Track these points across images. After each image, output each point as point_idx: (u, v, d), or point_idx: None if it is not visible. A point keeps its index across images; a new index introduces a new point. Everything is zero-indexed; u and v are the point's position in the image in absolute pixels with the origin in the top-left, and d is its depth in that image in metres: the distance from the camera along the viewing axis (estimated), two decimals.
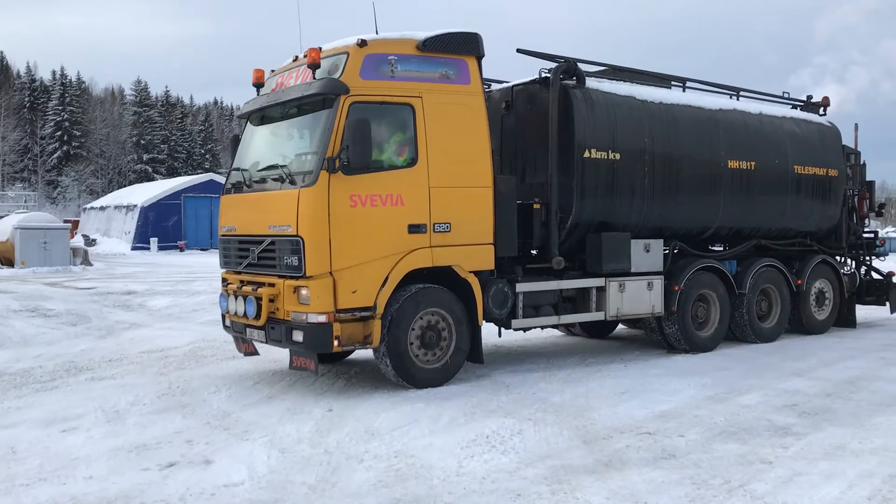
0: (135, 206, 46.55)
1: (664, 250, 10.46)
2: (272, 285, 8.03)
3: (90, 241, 42.62)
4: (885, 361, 10.07)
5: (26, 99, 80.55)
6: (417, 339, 8.19)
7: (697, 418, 7.11)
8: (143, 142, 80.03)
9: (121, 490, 5.42)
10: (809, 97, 13.17)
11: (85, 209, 55.99)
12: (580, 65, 9.70)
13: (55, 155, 76.53)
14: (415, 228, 8.12)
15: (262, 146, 9.01)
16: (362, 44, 7.98)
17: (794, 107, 12.89)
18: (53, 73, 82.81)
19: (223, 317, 9.04)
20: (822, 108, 13.07)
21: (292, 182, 7.91)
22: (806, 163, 11.89)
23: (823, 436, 6.58)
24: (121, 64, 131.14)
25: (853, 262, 13.42)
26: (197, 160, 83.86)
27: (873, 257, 13.68)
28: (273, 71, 9.16)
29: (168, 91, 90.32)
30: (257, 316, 8.06)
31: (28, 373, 9.52)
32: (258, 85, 9.13)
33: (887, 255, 14.75)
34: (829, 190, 12.32)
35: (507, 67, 10.39)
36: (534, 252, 9.65)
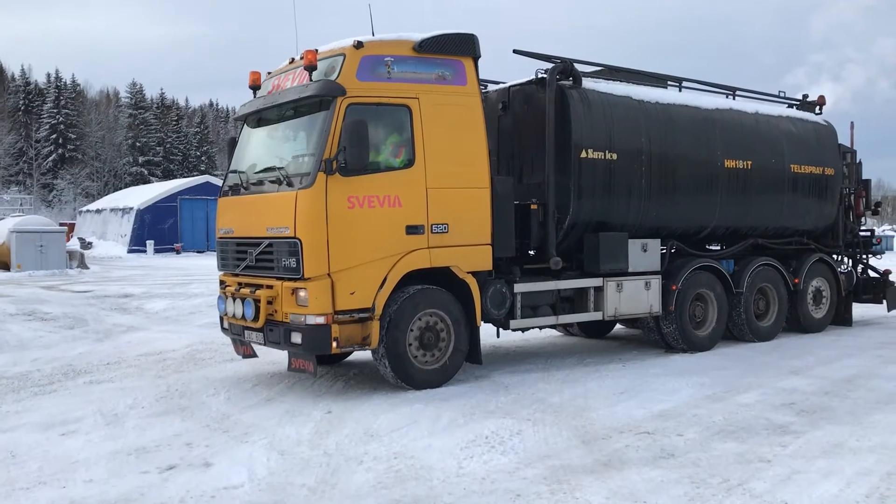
0: (131, 208, 46.46)
1: (661, 250, 10.49)
2: (270, 287, 8.03)
3: (86, 245, 42.53)
4: (883, 359, 10.10)
5: (21, 102, 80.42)
6: (416, 340, 8.20)
7: (696, 417, 7.13)
8: (138, 144, 79.93)
9: (120, 493, 5.41)
10: (805, 96, 13.21)
11: (81, 212, 55.88)
12: (577, 65, 9.71)
13: (50, 158, 76.40)
14: (412, 229, 8.12)
15: (259, 148, 9.01)
16: (359, 45, 7.99)
17: (791, 106, 12.93)
18: (48, 75, 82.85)
19: (221, 319, 9.04)
20: (818, 107, 13.11)
21: (290, 184, 7.91)
22: (802, 162, 11.92)
23: (821, 434, 6.60)
24: (116, 66, 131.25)
25: (850, 261, 13.45)
26: (193, 162, 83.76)
27: (870, 255, 13.72)
28: (270, 73, 9.16)
29: (163, 93, 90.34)
30: (256, 318, 8.06)
31: (26, 376, 9.50)
32: (255, 87, 9.14)
33: (884, 253, 14.79)
34: (826, 188, 12.35)
35: (504, 68, 10.42)
36: (531, 252, 9.66)
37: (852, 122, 13.95)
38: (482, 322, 8.71)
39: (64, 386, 8.95)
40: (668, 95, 10.87)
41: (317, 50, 8.12)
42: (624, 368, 9.52)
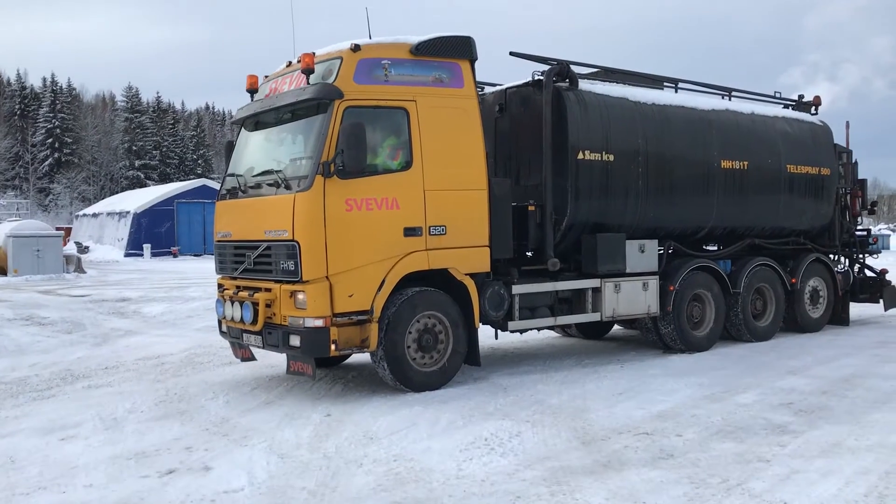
0: (127, 212, 46.43)
1: (659, 251, 10.51)
2: (268, 290, 8.03)
3: (83, 249, 42.53)
4: (880, 358, 10.12)
5: (17, 106, 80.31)
6: (414, 342, 8.21)
7: (695, 418, 7.14)
8: (134, 148, 79.84)
9: (120, 498, 5.41)
10: (801, 96, 13.24)
11: (77, 216, 55.82)
12: (573, 67, 9.73)
13: (46, 162, 76.32)
14: (410, 231, 8.13)
15: (256, 152, 9.01)
16: (356, 48, 8.00)
17: (786, 106, 12.96)
18: (44, 80, 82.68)
19: (220, 322, 9.04)
20: (813, 108, 13.14)
21: (287, 187, 7.92)
22: (798, 162, 11.95)
23: (820, 433, 6.61)
24: (111, 70, 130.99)
25: (846, 260, 13.49)
26: (189, 166, 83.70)
27: (866, 255, 13.75)
28: (267, 77, 9.16)
29: (159, 97, 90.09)
30: (254, 321, 8.07)
31: (24, 381, 9.49)
32: (252, 91, 9.15)
33: (880, 252, 14.83)
34: (822, 188, 12.38)
35: (501, 70, 10.44)
36: (529, 254, 9.67)
37: (847, 122, 14.01)
38: (480, 324, 8.72)
39: (62, 391, 8.94)
40: (665, 96, 10.89)
41: (314, 53, 8.12)
42: (622, 369, 9.53)
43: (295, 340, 7.76)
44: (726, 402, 7.76)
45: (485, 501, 5.22)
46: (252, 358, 9.04)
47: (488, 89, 10.40)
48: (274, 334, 7.96)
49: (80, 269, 30.24)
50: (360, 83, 7.95)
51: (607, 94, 10.06)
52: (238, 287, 8.53)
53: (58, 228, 38.16)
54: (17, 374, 9.95)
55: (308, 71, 7.96)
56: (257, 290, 8.17)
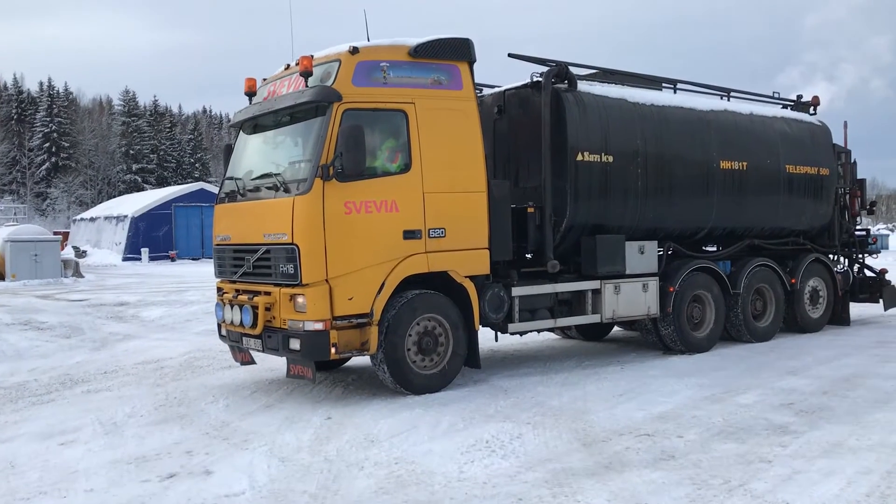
0: (125, 216, 46.38)
1: (658, 252, 10.50)
2: (268, 294, 8.02)
3: (81, 253, 42.41)
4: (880, 358, 10.12)
5: (13, 111, 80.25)
6: (414, 344, 8.19)
7: (696, 419, 7.14)
8: (132, 152, 79.81)
9: (121, 502, 5.40)
10: (799, 97, 13.25)
11: (75, 220, 55.76)
12: (571, 68, 9.73)
13: (44, 167, 76.26)
14: (410, 234, 8.13)
15: (255, 155, 9.00)
16: (354, 51, 8.00)
17: (785, 106, 12.96)
18: (41, 84, 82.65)
19: (219, 326, 9.03)
20: (811, 108, 13.15)
21: (286, 190, 7.91)
22: (797, 162, 11.96)
23: (821, 434, 6.61)
24: (108, 74, 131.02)
25: (846, 260, 13.50)
26: (187, 169, 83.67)
27: (866, 255, 13.76)
28: (265, 79, 9.16)
29: (156, 100, 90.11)
30: (254, 325, 8.05)
31: (23, 386, 9.47)
32: (250, 94, 9.13)
33: (879, 252, 14.84)
34: (821, 188, 12.38)
35: (499, 72, 10.44)
36: (529, 256, 9.67)
37: (845, 122, 14.04)
38: (480, 326, 8.71)
39: (62, 395, 8.92)
40: (663, 97, 10.89)
41: (312, 56, 8.12)
42: (622, 371, 9.52)
43: (295, 344, 7.74)
44: (727, 402, 7.75)
45: None
46: (252, 361, 9.03)
47: (487, 91, 10.39)
48: (274, 338, 7.95)
49: (77, 273, 30.20)
50: (358, 86, 7.94)
51: (606, 95, 10.06)
52: (237, 290, 8.52)
53: (55, 233, 38.15)
54: (16, 379, 9.93)
55: (306, 74, 7.95)
56: (257, 293, 8.16)
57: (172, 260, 44.77)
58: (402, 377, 8.12)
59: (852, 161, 13.66)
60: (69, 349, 12.37)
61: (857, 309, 13.80)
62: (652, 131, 10.27)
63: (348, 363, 9.92)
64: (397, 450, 6.37)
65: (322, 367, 9.20)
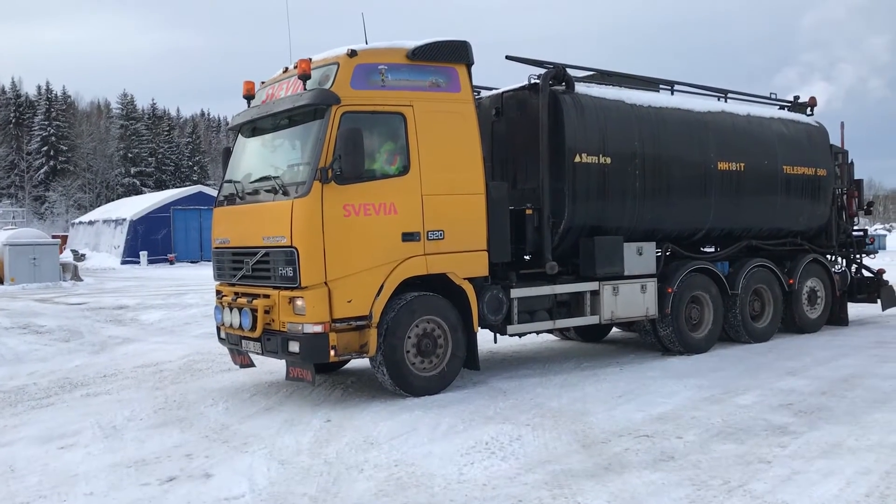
0: (124, 219, 46.37)
1: (657, 253, 10.51)
2: (267, 297, 8.03)
3: (79, 256, 42.40)
4: (879, 358, 10.13)
5: (11, 114, 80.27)
6: (414, 346, 8.20)
7: (695, 419, 7.15)
8: (130, 155, 79.82)
9: None
10: (796, 97, 13.27)
11: (73, 224, 55.76)
12: (569, 70, 9.74)
13: (42, 170, 76.26)
14: (408, 236, 8.13)
15: (253, 158, 9.01)
16: (352, 54, 8.01)
17: (782, 107, 12.98)
18: (38, 87, 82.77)
19: (218, 329, 9.03)
20: (809, 108, 13.18)
21: (285, 193, 7.92)
22: (795, 163, 11.98)
23: (820, 434, 6.62)
24: (106, 77, 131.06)
25: (844, 261, 13.51)
26: (185, 172, 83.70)
27: (863, 255, 13.77)
28: (263, 82, 9.17)
29: (154, 103, 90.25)
30: (253, 327, 8.06)
31: (23, 390, 9.47)
32: (248, 97, 9.14)
33: (877, 252, 14.87)
34: (819, 189, 12.41)
35: (497, 74, 10.46)
36: (527, 257, 9.68)
37: (842, 123, 14.05)
38: (479, 328, 8.72)
39: (61, 399, 8.92)
40: (661, 99, 10.91)
41: (310, 59, 8.13)
42: (621, 372, 9.53)
43: (294, 346, 7.75)
44: (726, 403, 7.76)
45: None
46: (251, 364, 9.03)
47: (485, 93, 10.41)
48: (273, 340, 7.95)
49: (76, 276, 30.19)
50: (356, 88, 7.95)
51: (603, 96, 10.08)
52: (236, 293, 8.53)
53: (54, 236, 38.10)
54: (15, 383, 9.93)
55: (305, 77, 7.96)
56: (256, 296, 8.17)
57: (171, 263, 44.76)
58: (401, 379, 8.12)
59: (849, 161, 13.68)
60: (68, 353, 12.37)
61: (854, 309, 13.81)
62: (649, 133, 10.29)
63: (347, 365, 9.93)
64: (397, 452, 6.38)
65: (321, 369, 9.19)
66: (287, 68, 8.70)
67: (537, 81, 9.52)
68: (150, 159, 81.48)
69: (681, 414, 7.36)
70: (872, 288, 13.49)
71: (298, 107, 8.06)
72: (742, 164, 11.24)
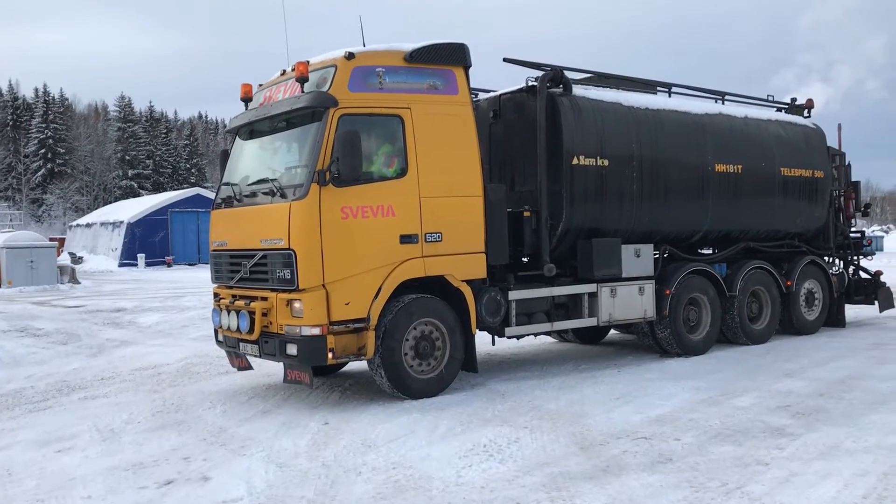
0: (121, 222, 46.36)
1: (654, 255, 10.52)
2: (265, 299, 8.02)
3: (77, 259, 42.38)
4: (876, 360, 10.14)
5: (9, 117, 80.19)
6: (412, 349, 8.20)
7: (692, 421, 7.15)
8: (127, 157, 79.77)
9: None
10: (794, 99, 13.29)
11: (71, 226, 55.71)
12: (566, 72, 9.76)
13: (39, 173, 76.18)
14: (406, 239, 8.13)
15: (251, 160, 9.01)
16: (350, 56, 8.01)
17: (779, 109, 13.00)
18: (36, 90, 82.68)
19: (216, 332, 9.02)
20: (806, 111, 13.20)
21: (283, 195, 7.92)
22: (792, 165, 11.99)
23: (818, 436, 6.62)
24: (104, 80, 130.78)
25: (841, 262, 13.53)
26: (183, 175, 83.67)
27: (861, 257, 13.79)
28: (261, 85, 9.17)
29: (152, 106, 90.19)
30: (250, 330, 8.05)
31: (20, 393, 9.45)
32: (246, 99, 9.14)
33: (874, 254, 14.88)
34: (816, 191, 12.42)
35: (494, 77, 10.46)
36: (525, 259, 9.68)
37: (839, 124, 14.08)
38: (477, 330, 8.72)
39: (59, 402, 8.91)
40: (658, 101, 10.92)
41: (308, 61, 8.13)
42: (619, 374, 9.54)
43: (292, 349, 7.75)
44: (724, 405, 7.76)
45: None
46: (249, 367, 9.02)
47: (482, 96, 10.41)
48: (271, 343, 7.95)
49: (74, 279, 30.16)
50: (354, 91, 7.96)
51: (601, 99, 10.09)
52: (234, 296, 8.52)
53: (51, 239, 38.10)
54: (12, 386, 9.91)
55: (302, 79, 7.96)
56: (254, 298, 8.16)
57: (169, 265, 44.75)
58: (399, 382, 8.12)
59: (846, 163, 13.70)
60: (66, 356, 12.35)
61: (852, 311, 13.83)
62: (647, 135, 10.30)
63: (345, 368, 9.92)
64: (395, 455, 6.37)
65: (319, 372, 9.20)
66: (285, 71, 8.70)
67: (535, 84, 9.53)
68: (147, 162, 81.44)
69: (679, 416, 7.37)
70: (870, 289, 13.50)
71: (296, 109, 8.06)
72: (739, 167, 11.26)
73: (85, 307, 20.33)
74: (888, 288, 13.55)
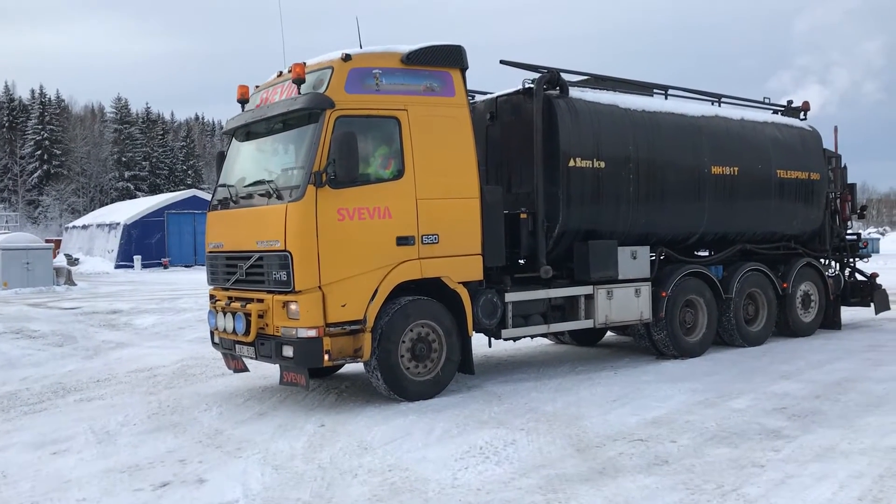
0: (117, 223, 46.29)
1: (651, 257, 10.53)
2: (261, 301, 8.01)
3: (73, 261, 42.34)
4: (872, 362, 10.16)
5: (5, 118, 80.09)
6: (408, 351, 8.19)
7: (689, 424, 7.15)
8: (124, 159, 79.72)
9: None
10: (790, 102, 13.32)
11: (67, 228, 55.64)
12: (563, 74, 9.76)
13: (35, 174, 76.10)
14: (403, 240, 8.13)
15: (248, 162, 9.00)
16: (347, 58, 8.01)
17: (776, 112, 13.02)
18: (32, 91, 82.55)
19: (212, 334, 9.01)
20: (802, 113, 13.22)
21: (279, 197, 7.91)
22: (788, 167, 12.01)
23: (813, 438, 6.63)
24: (100, 81, 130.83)
25: (837, 265, 13.55)
26: (179, 176, 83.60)
27: (857, 259, 13.82)
28: (258, 87, 9.16)
29: (149, 107, 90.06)
30: (246, 332, 8.04)
31: (15, 395, 9.43)
32: (243, 101, 9.14)
33: (870, 256, 14.92)
34: (812, 193, 12.44)
35: (491, 79, 10.47)
36: (522, 261, 9.68)
37: (836, 127, 14.12)
38: (474, 332, 8.71)
39: (54, 404, 8.88)
40: (655, 103, 10.94)
41: (305, 63, 8.13)
42: (616, 376, 9.54)
43: (288, 351, 7.74)
44: (720, 407, 7.77)
45: None
46: (245, 369, 9.01)
47: (479, 98, 10.42)
48: (267, 345, 7.94)
49: (70, 281, 30.09)
50: (351, 93, 7.95)
51: (597, 101, 10.10)
52: (230, 298, 8.51)
53: (47, 241, 38.02)
54: (7, 389, 9.88)
55: (299, 81, 7.96)
56: (250, 300, 8.15)
57: (165, 267, 44.70)
58: (395, 384, 8.11)
59: (843, 166, 13.74)
60: (61, 357, 12.32)
61: (848, 313, 13.86)
62: (643, 137, 10.31)
63: (342, 370, 9.91)
64: (391, 457, 6.36)
65: (315, 374, 9.19)
66: (281, 72, 8.69)
67: (531, 86, 9.54)
68: (144, 163, 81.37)
69: (675, 418, 7.37)
70: (866, 292, 13.52)
71: (293, 111, 8.06)
72: (736, 169, 11.27)
73: (81, 309, 20.29)
74: (884, 290, 13.57)
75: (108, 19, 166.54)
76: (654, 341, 10.64)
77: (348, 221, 7.81)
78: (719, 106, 11.99)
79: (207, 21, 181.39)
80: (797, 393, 8.33)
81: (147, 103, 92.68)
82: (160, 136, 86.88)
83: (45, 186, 73.52)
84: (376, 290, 7.93)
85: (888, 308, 13.63)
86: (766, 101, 12.95)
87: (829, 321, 13.05)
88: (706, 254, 11.87)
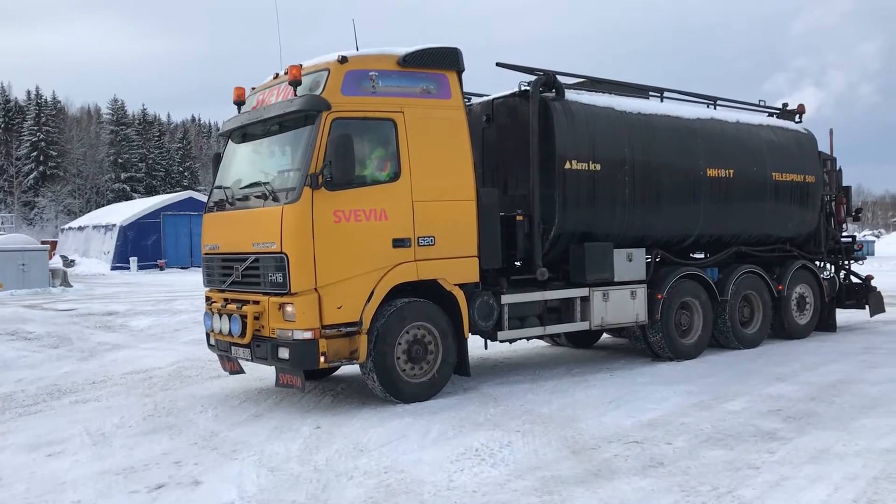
0: (113, 225, 46.21)
1: (646, 259, 10.55)
2: (257, 303, 8.01)
3: (69, 262, 42.22)
4: (867, 364, 10.18)
5: (1, 119, 79.88)
6: (404, 353, 8.19)
7: (684, 426, 7.16)
8: (120, 160, 79.58)
9: None
10: (785, 105, 13.36)
11: (63, 230, 55.51)
12: (559, 77, 9.79)
13: (31, 175, 75.91)
14: (399, 242, 8.13)
15: (244, 164, 9.00)
16: (343, 60, 8.01)
17: (771, 114, 13.06)
18: (28, 92, 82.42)
19: (208, 336, 9.00)
20: (797, 115, 13.26)
21: (275, 199, 7.91)
22: (783, 170, 12.05)
23: (808, 440, 6.65)
24: (96, 82, 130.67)
25: (832, 267, 13.58)
26: (175, 178, 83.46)
27: (852, 261, 13.85)
28: (254, 88, 9.17)
29: (145, 109, 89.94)
30: (242, 334, 8.04)
31: (10, 397, 9.41)
32: (239, 103, 9.14)
33: (865, 258, 14.95)
34: (807, 196, 12.48)
35: (487, 81, 10.49)
36: (518, 264, 9.69)
37: (831, 130, 14.16)
38: (470, 334, 8.72)
39: (49, 406, 8.87)
40: (650, 106, 10.96)
41: (301, 65, 8.13)
42: (611, 378, 9.55)
43: (284, 353, 7.73)
44: (715, 409, 7.78)
45: None
46: (241, 371, 9.00)
47: (475, 100, 10.43)
48: (262, 347, 7.93)
49: (66, 282, 30.02)
50: (347, 95, 7.96)
51: (593, 103, 10.12)
52: (226, 300, 8.50)
53: (43, 242, 37.90)
54: (2, 390, 9.87)
55: (295, 83, 7.96)
56: (245, 302, 8.15)
57: (161, 269, 44.61)
58: (391, 386, 8.11)
59: (838, 168, 13.78)
60: (57, 359, 12.29)
61: (843, 315, 13.89)
62: (639, 140, 10.33)
63: (337, 372, 9.91)
64: (387, 459, 6.37)
65: (311, 375, 9.18)
66: (277, 74, 8.70)
67: (527, 88, 9.56)
68: (140, 165, 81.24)
69: (670, 420, 7.38)
70: (861, 294, 13.56)
71: (289, 113, 8.06)
72: (731, 171, 11.30)
73: (76, 310, 20.25)
74: (879, 292, 13.62)
75: (104, 19, 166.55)
76: (649, 343, 10.66)
77: (344, 223, 7.81)
78: (714, 108, 12.02)
79: (204, 22, 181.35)
80: (792, 395, 8.35)
81: (143, 104, 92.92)
82: (156, 138, 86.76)
83: (40, 188, 73.36)
84: (372, 292, 7.94)
85: (883, 310, 13.67)
86: (762, 103, 12.99)
87: (825, 323, 13.08)
88: (702, 256, 11.89)
